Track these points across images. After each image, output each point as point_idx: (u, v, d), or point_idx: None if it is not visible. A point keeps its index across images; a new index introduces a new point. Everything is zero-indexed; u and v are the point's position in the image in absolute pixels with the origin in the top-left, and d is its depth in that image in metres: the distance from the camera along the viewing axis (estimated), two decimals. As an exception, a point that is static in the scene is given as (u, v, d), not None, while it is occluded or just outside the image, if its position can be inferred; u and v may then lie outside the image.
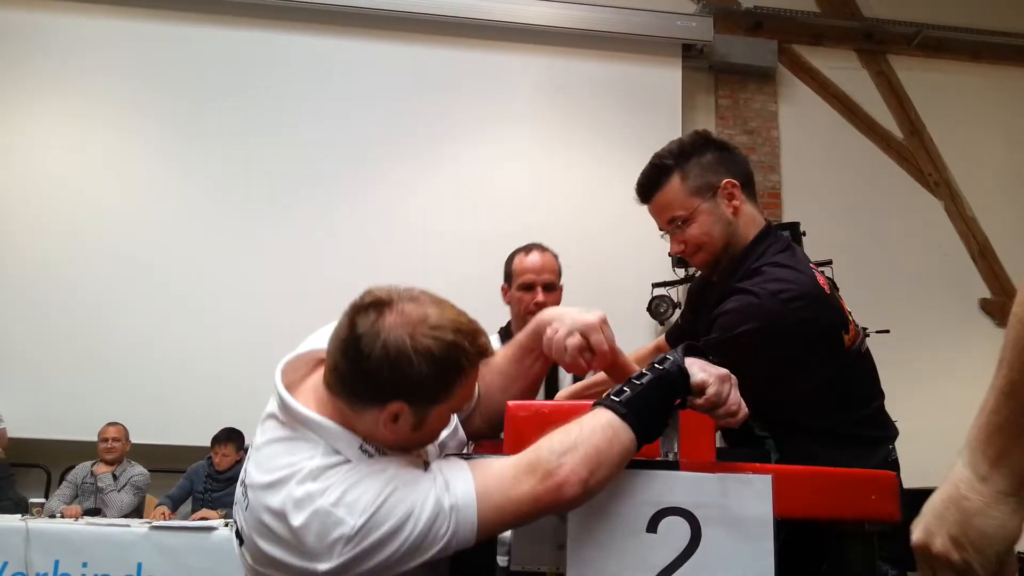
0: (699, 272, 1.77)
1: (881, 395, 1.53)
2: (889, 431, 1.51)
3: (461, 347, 1.06)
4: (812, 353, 1.40)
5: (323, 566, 0.98)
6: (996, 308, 5.89)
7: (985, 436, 0.74)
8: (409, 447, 1.13)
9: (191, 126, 5.41)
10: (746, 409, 1.10)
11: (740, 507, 1.06)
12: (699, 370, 1.09)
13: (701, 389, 1.08)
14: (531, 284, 2.25)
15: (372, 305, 1.07)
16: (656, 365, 1.09)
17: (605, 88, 5.77)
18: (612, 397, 1.07)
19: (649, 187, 1.58)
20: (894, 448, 1.50)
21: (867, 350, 1.54)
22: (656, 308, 5.14)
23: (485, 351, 1.11)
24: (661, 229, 1.59)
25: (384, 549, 0.99)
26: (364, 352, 1.04)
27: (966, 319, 5.82)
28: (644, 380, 1.08)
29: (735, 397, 1.09)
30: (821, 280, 1.50)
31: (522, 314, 2.22)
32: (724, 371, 1.10)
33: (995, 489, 0.74)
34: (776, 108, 6.11)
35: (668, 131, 5.79)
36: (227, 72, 5.51)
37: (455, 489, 1.03)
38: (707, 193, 1.53)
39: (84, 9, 5.44)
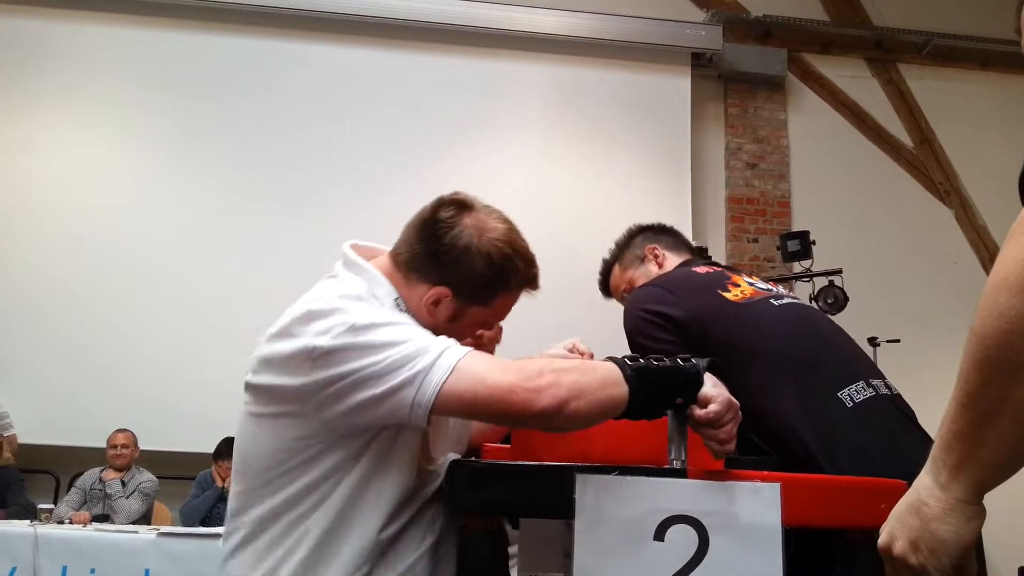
0: None
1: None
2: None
3: (515, 264, 1.21)
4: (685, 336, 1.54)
5: (319, 340, 1.07)
6: (1008, 318, 5.85)
7: (945, 445, 0.76)
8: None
9: (201, 133, 5.43)
10: (734, 446, 1.10)
11: (748, 515, 1.05)
12: (712, 385, 1.09)
13: (705, 402, 1.07)
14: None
15: (457, 203, 1.23)
16: (678, 359, 1.10)
17: (614, 97, 5.77)
18: (626, 359, 1.09)
19: (604, 284, 1.99)
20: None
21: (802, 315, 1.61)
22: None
23: (534, 280, 1.24)
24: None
25: (372, 353, 1.05)
26: (436, 235, 1.20)
27: (977, 329, 5.79)
28: (661, 363, 1.10)
29: (731, 428, 1.08)
30: (703, 269, 1.75)
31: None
32: (733, 400, 1.09)
33: (953, 497, 0.76)
34: (785, 116, 6.10)
35: (677, 140, 5.80)
36: (234, 79, 5.53)
37: (450, 349, 1.07)
38: (637, 264, 1.92)
39: (88, 16, 5.47)
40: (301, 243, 5.12)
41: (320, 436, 1.10)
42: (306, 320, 1.11)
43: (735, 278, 1.68)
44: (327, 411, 1.08)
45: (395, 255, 1.24)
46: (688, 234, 5.47)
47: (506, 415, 1.07)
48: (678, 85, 5.90)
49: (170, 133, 5.43)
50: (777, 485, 1.06)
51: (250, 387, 1.19)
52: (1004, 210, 6.18)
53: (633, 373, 1.07)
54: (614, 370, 1.07)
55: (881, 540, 0.84)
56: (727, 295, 1.61)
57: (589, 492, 1.06)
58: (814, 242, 4.93)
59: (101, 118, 5.43)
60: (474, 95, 5.67)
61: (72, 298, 5.07)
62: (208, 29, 5.56)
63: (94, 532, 3.75)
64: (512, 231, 1.23)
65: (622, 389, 1.06)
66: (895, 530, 0.82)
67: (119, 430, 4.59)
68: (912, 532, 0.80)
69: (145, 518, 4.46)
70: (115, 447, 4.54)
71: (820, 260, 4.85)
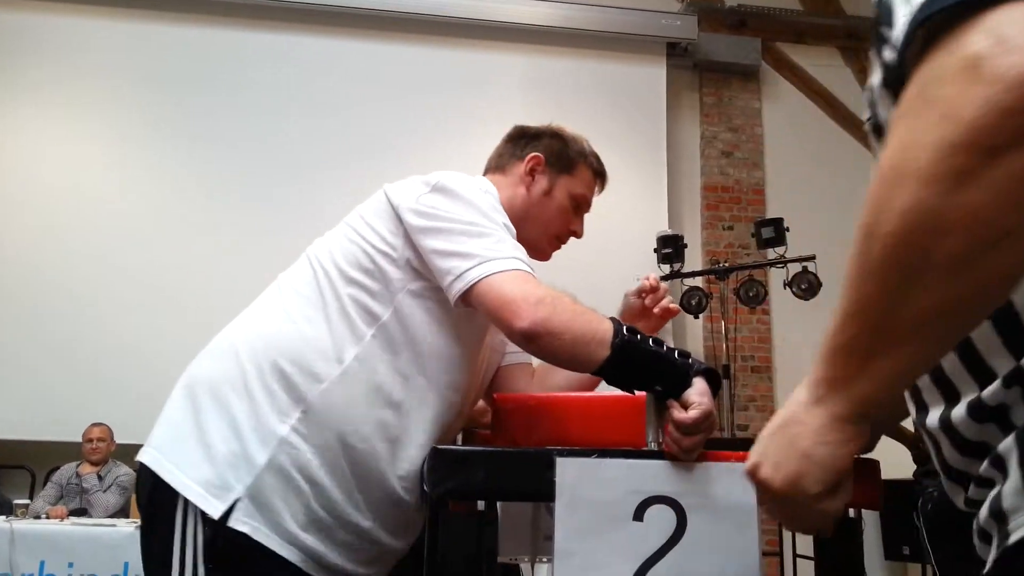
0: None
1: None
2: None
3: (583, 145, 1.46)
4: None
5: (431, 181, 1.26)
6: (977, 302, 5.95)
7: (825, 359, 0.66)
8: (535, 225, 1.37)
9: (182, 127, 5.37)
10: (695, 457, 1.09)
11: (725, 495, 1.07)
12: (698, 393, 1.08)
13: (686, 405, 1.08)
14: None
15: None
16: (679, 352, 1.13)
17: (590, 87, 5.78)
18: (627, 329, 1.12)
19: None
20: None
21: None
22: (642, 305, 5.17)
23: (601, 166, 1.46)
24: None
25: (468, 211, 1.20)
26: (517, 129, 1.48)
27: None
28: (661, 347, 1.12)
29: (700, 439, 1.08)
30: None
31: None
32: (714, 414, 1.09)
33: (829, 413, 0.66)
34: (760, 105, 6.14)
35: (653, 130, 5.83)
36: (213, 72, 5.47)
37: (515, 259, 1.17)
38: None
39: (64, 8, 5.39)
40: (280, 235, 5.07)
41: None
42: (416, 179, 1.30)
43: None
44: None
45: (489, 169, 1.45)
46: (664, 222, 5.56)
47: (497, 321, 1.15)
48: (654, 75, 5.92)
49: (147, 125, 5.37)
50: (753, 465, 1.08)
51: None
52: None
53: (620, 343, 1.10)
54: (607, 332, 1.11)
55: (748, 463, 0.73)
56: None
57: (569, 474, 1.07)
58: (788, 229, 4.98)
59: (78, 110, 5.36)
60: (454, 86, 5.65)
61: (45, 292, 5.01)
62: (186, 22, 5.50)
63: (71, 527, 3.72)
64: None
65: (603, 351, 1.09)
66: (763, 452, 0.72)
67: (94, 424, 4.55)
68: (779, 453, 0.70)
69: (123, 511, 4.43)
70: (91, 441, 4.50)
71: (794, 247, 4.90)
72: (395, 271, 1.22)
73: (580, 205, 1.45)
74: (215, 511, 1.12)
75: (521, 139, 1.45)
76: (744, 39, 6.10)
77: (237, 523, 1.12)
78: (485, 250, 1.16)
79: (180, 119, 5.38)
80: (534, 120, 1.55)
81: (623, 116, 5.70)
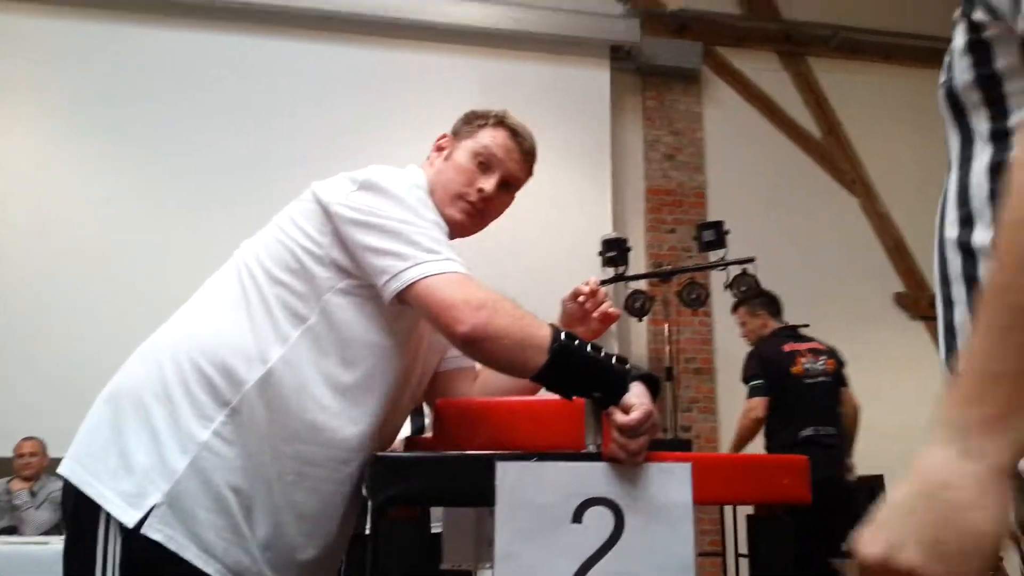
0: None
1: None
2: None
3: (491, 113, 1.42)
4: None
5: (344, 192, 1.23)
6: (909, 302, 6.15)
7: (977, 395, 0.53)
8: (440, 192, 1.32)
9: (134, 126, 5.26)
10: (642, 459, 1.09)
11: (662, 495, 1.09)
12: (637, 396, 1.09)
13: (626, 409, 1.09)
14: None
15: None
16: (617, 358, 1.13)
17: (536, 90, 5.81)
18: (565, 335, 1.13)
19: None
20: None
21: None
22: (587, 307, 5.21)
23: (513, 127, 1.41)
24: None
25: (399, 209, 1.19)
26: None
27: (881, 313, 6.06)
28: (599, 352, 1.13)
29: (644, 441, 1.09)
30: None
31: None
32: (654, 414, 1.10)
33: (991, 466, 0.53)
34: (701, 110, 6.25)
35: (597, 132, 5.88)
36: (167, 72, 5.38)
37: (450, 261, 1.17)
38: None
39: (21, 8, 5.24)
40: (234, 235, 4.98)
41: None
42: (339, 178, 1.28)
43: None
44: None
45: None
46: (608, 225, 5.61)
47: (437, 325, 1.15)
48: (598, 78, 5.98)
49: (104, 125, 5.26)
50: (688, 465, 1.10)
51: None
52: (906, 198, 6.49)
53: (557, 348, 1.10)
54: (544, 337, 1.11)
55: (873, 551, 0.56)
56: None
57: (509, 479, 1.08)
58: (728, 232, 5.07)
59: (35, 112, 5.24)
60: (397, 88, 5.62)
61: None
62: (143, 22, 5.40)
63: (1, 545, 3.59)
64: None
65: (540, 357, 1.10)
66: (895, 534, 0.56)
67: (25, 438, 4.40)
68: (927, 531, 0.54)
69: (56, 528, 4.28)
70: (22, 456, 4.35)
71: (734, 249, 4.99)
72: (321, 270, 1.20)
73: (487, 161, 1.35)
74: (130, 520, 1.08)
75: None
76: (686, 43, 6.20)
77: (151, 530, 1.08)
78: (419, 251, 1.16)
79: (132, 118, 5.27)
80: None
81: (568, 119, 5.74)
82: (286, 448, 1.16)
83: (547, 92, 5.80)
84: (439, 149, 1.42)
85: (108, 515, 1.10)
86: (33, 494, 4.30)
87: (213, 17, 5.50)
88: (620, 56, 6.08)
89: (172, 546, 1.08)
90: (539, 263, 5.29)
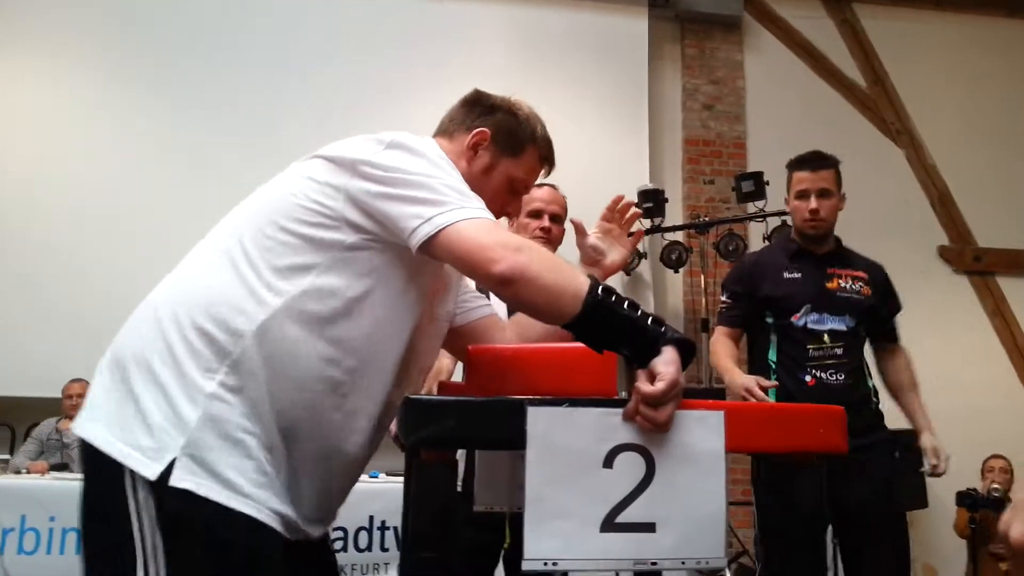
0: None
1: None
2: None
3: (536, 128, 1.40)
4: None
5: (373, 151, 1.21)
6: (954, 255, 6.01)
7: None
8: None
9: (151, 82, 5.28)
10: (667, 429, 1.08)
11: (694, 443, 1.09)
12: (666, 363, 1.08)
13: (652, 377, 1.08)
14: (539, 212, 2.36)
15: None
16: (653, 319, 1.12)
17: (573, 39, 5.70)
18: (603, 290, 1.12)
19: (819, 162, 2.74)
20: None
21: None
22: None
23: (551, 152, 1.43)
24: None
25: (405, 161, 1.18)
26: (475, 93, 1.42)
27: (925, 265, 5.93)
28: (636, 311, 1.12)
29: (669, 410, 1.08)
30: None
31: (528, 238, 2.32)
32: (680, 384, 1.08)
33: None
34: (742, 58, 6.09)
35: (635, 82, 5.77)
36: (186, 23, 5.36)
37: (478, 208, 1.16)
38: (841, 192, 2.79)
39: None
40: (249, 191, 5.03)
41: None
42: (366, 138, 1.26)
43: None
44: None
45: (438, 132, 1.39)
46: (644, 176, 5.54)
47: (471, 265, 1.13)
48: (635, 26, 5.85)
49: (117, 79, 5.26)
50: (721, 413, 1.10)
51: None
52: (953, 150, 6.30)
53: (591, 301, 1.10)
54: (581, 287, 1.11)
55: (1019, 530, 0.57)
56: None
57: (540, 423, 1.08)
58: (768, 183, 4.98)
59: (45, 64, 5.25)
60: (430, 39, 5.55)
61: (21, 248, 4.94)
62: None
63: (52, 481, 3.73)
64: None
65: (573, 306, 1.10)
66: None
67: (74, 380, 4.53)
68: None
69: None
70: (71, 397, 4.49)
71: (774, 200, 4.90)
72: (332, 225, 1.18)
73: (518, 190, 1.40)
74: (152, 473, 1.08)
75: (475, 107, 1.39)
76: (726, -11, 6.02)
77: (178, 481, 1.08)
78: (452, 198, 1.15)
79: (148, 73, 5.28)
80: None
81: (605, 69, 5.64)
82: (293, 395, 1.16)
83: (584, 41, 5.70)
84: (475, 148, 1.35)
85: (132, 473, 1.09)
86: (81, 435, 4.45)
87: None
88: (659, 3, 5.93)
89: (202, 491, 1.08)
90: (574, 214, 5.24)
